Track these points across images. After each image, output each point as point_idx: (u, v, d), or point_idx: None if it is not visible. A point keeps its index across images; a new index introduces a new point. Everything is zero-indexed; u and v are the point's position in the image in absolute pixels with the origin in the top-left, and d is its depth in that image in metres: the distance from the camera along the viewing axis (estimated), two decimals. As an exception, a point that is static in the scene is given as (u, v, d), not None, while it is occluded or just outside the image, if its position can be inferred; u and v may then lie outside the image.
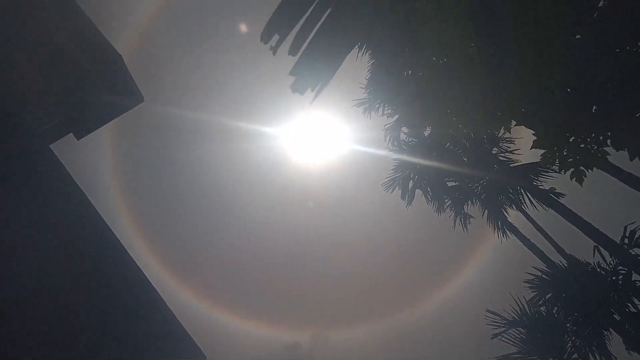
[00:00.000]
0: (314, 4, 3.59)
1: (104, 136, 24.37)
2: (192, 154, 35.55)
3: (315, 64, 3.58)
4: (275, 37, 3.51)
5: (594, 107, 3.89)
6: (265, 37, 3.48)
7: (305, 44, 3.57)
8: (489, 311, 13.88)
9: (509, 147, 15.25)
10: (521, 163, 14.79)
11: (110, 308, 9.54)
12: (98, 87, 9.59)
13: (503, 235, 14.79)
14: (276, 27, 3.51)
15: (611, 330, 11.91)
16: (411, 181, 16.42)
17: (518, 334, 13.64)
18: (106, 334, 9.31)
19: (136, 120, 30.94)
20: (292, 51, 3.56)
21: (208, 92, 38.31)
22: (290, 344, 40.94)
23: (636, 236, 11.41)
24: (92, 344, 8.66)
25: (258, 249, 41.76)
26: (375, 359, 38.56)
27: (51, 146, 9.31)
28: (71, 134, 11.96)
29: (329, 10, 3.58)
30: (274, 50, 3.49)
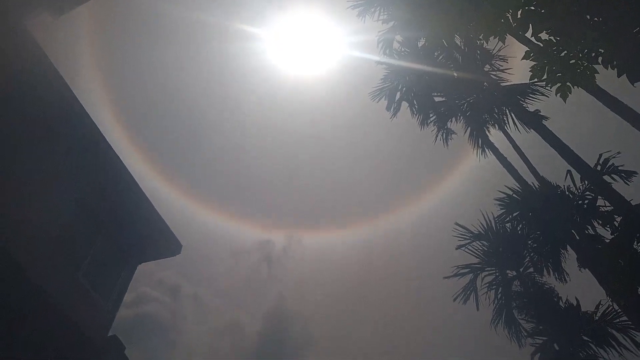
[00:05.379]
0: None
1: (82, 20, 22.88)
2: (174, 51, 34.03)
3: None
4: None
5: (593, 19, 3.76)
6: None
7: None
8: (457, 224, 14.55)
9: (501, 66, 14.98)
10: (511, 83, 14.61)
11: (89, 196, 9.64)
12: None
13: (482, 154, 15.04)
14: None
15: (568, 248, 12.67)
16: (398, 93, 16.19)
17: (481, 246, 14.46)
18: (86, 220, 9.53)
19: (117, 10, 29.06)
20: None
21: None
22: (264, 241, 42.91)
23: (609, 164, 11.73)
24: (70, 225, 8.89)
25: (241, 149, 41.93)
26: (347, 263, 40.85)
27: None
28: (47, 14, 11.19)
29: None
30: None
